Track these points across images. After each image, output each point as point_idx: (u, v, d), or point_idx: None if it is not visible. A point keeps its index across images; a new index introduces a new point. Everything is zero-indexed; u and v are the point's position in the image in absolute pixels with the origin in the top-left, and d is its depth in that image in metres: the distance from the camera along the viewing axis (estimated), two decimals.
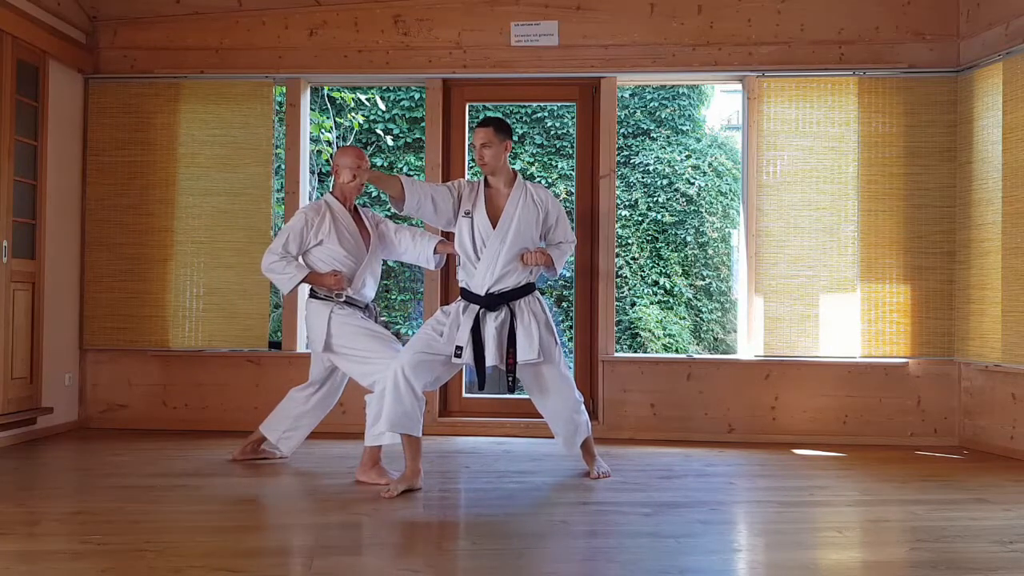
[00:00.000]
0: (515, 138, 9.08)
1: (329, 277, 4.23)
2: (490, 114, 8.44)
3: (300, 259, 4.28)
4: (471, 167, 5.80)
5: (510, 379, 4.03)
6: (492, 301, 4.01)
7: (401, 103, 9.12)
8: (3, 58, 4.85)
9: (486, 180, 4.16)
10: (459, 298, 4.13)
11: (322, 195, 4.58)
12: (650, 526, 3.40)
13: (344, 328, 4.18)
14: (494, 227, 4.04)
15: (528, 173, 9.09)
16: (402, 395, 3.85)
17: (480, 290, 4.02)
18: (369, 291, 4.36)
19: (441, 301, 5.64)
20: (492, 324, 3.99)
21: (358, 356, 4.15)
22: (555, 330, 4.14)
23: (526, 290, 4.09)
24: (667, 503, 3.79)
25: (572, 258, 4.82)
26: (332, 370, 4.41)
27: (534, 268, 4.09)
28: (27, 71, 5.07)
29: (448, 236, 4.63)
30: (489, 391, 5.01)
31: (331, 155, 8.34)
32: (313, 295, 4.29)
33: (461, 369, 4.56)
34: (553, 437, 4.31)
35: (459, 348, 3.96)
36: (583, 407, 4.24)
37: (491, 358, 3.96)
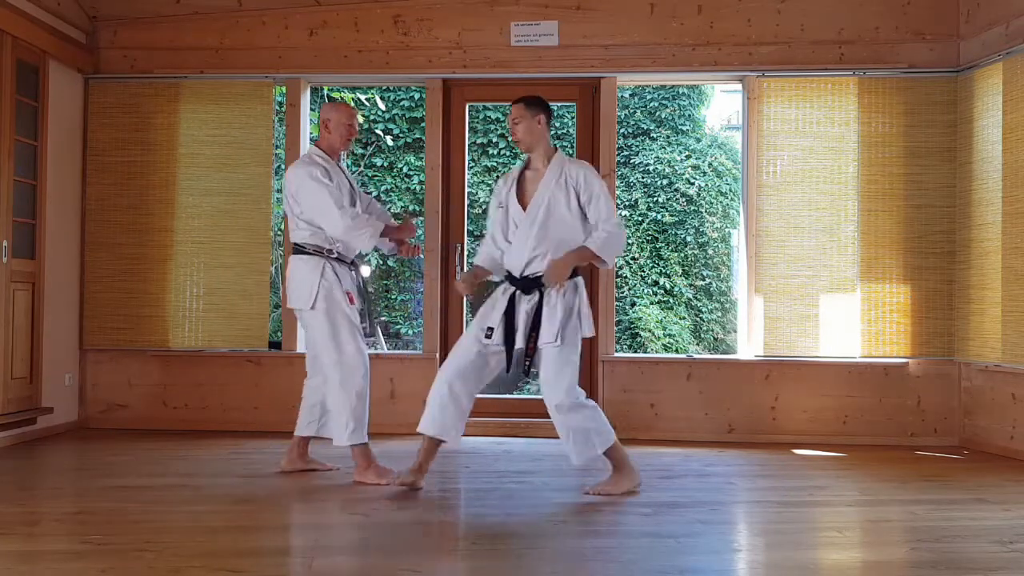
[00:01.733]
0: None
1: (405, 228, 4.26)
2: (495, 118, 8.44)
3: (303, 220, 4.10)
4: (471, 167, 5.81)
5: (527, 363, 3.91)
6: (527, 284, 3.92)
7: (401, 103, 9.12)
8: (3, 58, 4.85)
9: (527, 162, 4.06)
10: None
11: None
12: (650, 526, 3.40)
13: (332, 295, 4.04)
14: (525, 211, 3.93)
15: None
16: (445, 403, 3.87)
17: (516, 272, 3.95)
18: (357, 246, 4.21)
19: (441, 301, 5.64)
20: (524, 307, 3.90)
21: (327, 337, 4.01)
22: (583, 321, 3.91)
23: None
24: (667, 503, 3.79)
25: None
26: None
27: (565, 275, 3.87)
28: (27, 71, 5.07)
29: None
30: (492, 390, 5.00)
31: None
32: (299, 251, 4.11)
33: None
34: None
35: (490, 329, 3.90)
36: (585, 410, 3.88)
37: (519, 340, 3.88)
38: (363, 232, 4.02)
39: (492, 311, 3.94)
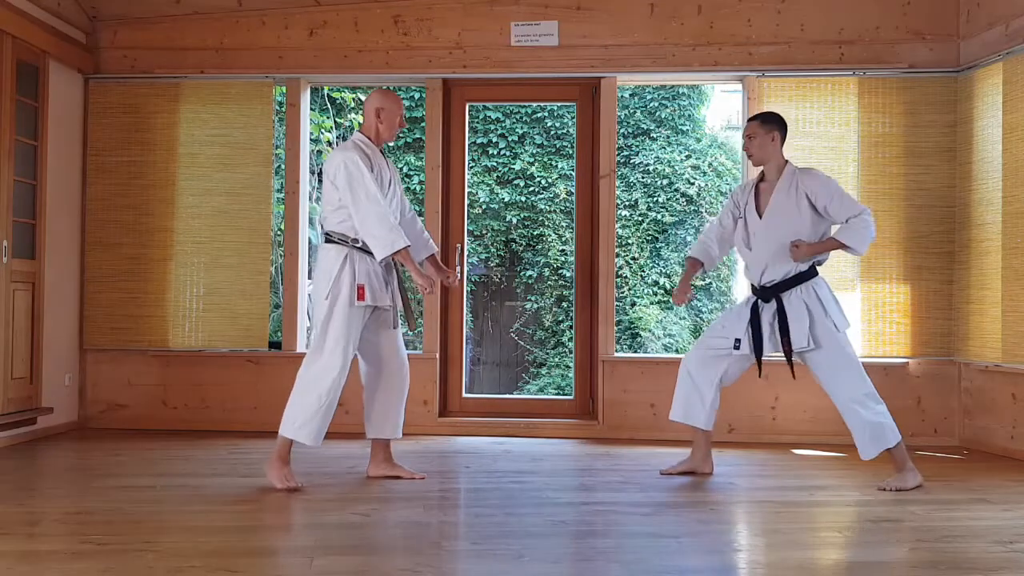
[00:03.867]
0: (516, 137, 9.09)
1: (438, 272, 4.16)
2: (495, 118, 8.43)
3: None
4: (471, 167, 5.81)
5: (791, 367, 4.15)
6: (766, 293, 4.14)
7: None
8: (3, 58, 4.85)
9: (761, 174, 4.28)
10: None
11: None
12: (650, 526, 3.40)
13: (341, 288, 3.88)
14: (760, 219, 4.16)
15: (528, 173, 9.09)
16: (685, 388, 4.23)
17: (755, 282, 4.19)
18: None
19: (441, 301, 5.64)
20: (766, 316, 4.13)
21: (320, 325, 3.89)
22: (837, 317, 4.06)
23: (798, 279, 4.10)
24: (667, 503, 3.79)
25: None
26: (375, 341, 4.10)
27: (809, 257, 4.08)
28: (27, 71, 5.07)
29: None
30: (492, 390, 5.01)
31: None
32: (328, 239, 3.98)
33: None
34: None
35: (737, 340, 4.17)
36: (876, 406, 4.02)
37: (767, 348, 4.13)
38: (380, 235, 3.82)
39: (737, 322, 4.21)
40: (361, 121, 8.50)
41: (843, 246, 4.05)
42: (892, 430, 4.04)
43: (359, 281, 3.91)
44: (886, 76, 5.41)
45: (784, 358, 4.12)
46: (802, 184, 4.12)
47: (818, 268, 4.18)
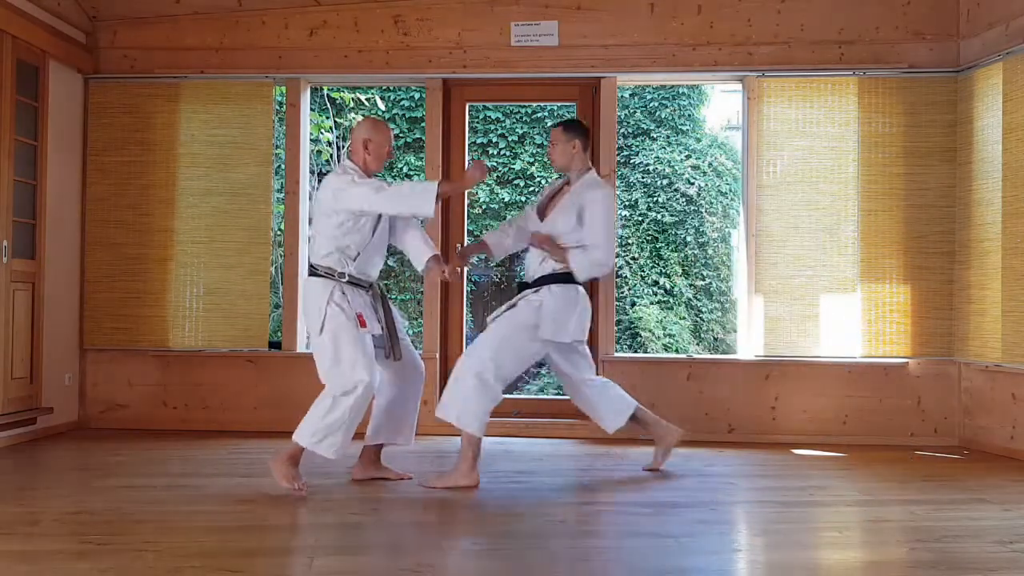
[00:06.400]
0: (516, 137, 9.09)
1: (475, 171, 4.03)
2: (495, 118, 8.44)
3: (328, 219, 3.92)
4: (470, 167, 5.79)
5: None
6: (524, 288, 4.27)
7: (401, 103, 9.12)
8: (3, 58, 4.85)
9: (568, 179, 4.33)
10: None
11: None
12: (650, 526, 3.40)
13: (340, 318, 3.83)
14: (542, 221, 4.25)
15: (528, 173, 9.09)
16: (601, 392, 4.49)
17: (528, 279, 4.28)
18: (374, 270, 4.09)
19: (441, 301, 5.64)
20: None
21: (329, 362, 3.82)
22: (546, 322, 4.10)
23: (546, 280, 4.15)
24: (667, 503, 3.79)
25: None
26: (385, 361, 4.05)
27: (550, 258, 4.13)
28: (27, 71, 5.06)
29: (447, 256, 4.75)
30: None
31: (332, 156, 8.33)
32: (313, 272, 3.96)
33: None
34: None
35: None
36: (469, 380, 4.00)
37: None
38: (411, 199, 3.83)
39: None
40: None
41: (567, 261, 4.09)
42: (474, 417, 4.01)
43: (356, 310, 3.88)
44: (886, 76, 5.41)
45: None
46: (584, 195, 4.16)
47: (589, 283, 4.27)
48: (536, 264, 4.21)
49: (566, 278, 4.14)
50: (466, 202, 5.83)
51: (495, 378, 4.00)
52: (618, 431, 4.43)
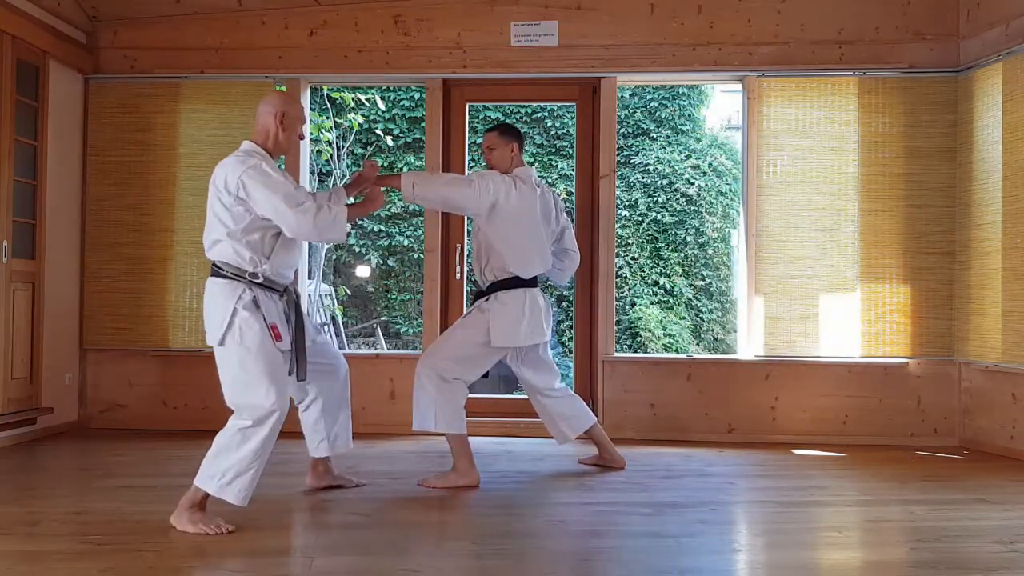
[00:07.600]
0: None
1: (368, 172, 3.82)
2: (495, 118, 8.44)
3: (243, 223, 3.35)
4: (471, 167, 5.81)
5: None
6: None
7: (401, 103, 9.12)
8: (3, 58, 4.85)
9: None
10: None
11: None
12: (650, 526, 3.40)
13: (248, 331, 3.28)
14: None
15: None
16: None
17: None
18: (289, 271, 3.51)
19: (441, 301, 5.64)
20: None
21: (234, 382, 3.35)
22: (468, 322, 4.18)
23: (494, 288, 4.19)
24: (667, 503, 3.79)
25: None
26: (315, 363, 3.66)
27: (490, 268, 4.20)
28: (27, 71, 5.07)
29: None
30: (491, 390, 5.04)
31: (332, 156, 8.33)
32: (217, 273, 3.35)
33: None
34: None
35: None
36: (429, 384, 4.03)
37: None
38: (330, 228, 3.35)
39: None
40: (361, 120, 8.53)
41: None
42: (451, 416, 4.04)
43: (270, 320, 3.33)
44: (886, 76, 5.41)
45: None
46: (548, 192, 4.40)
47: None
48: (479, 270, 4.27)
49: (514, 283, 4.17)
50: None
51: (455, 376, 4.09)
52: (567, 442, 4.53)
